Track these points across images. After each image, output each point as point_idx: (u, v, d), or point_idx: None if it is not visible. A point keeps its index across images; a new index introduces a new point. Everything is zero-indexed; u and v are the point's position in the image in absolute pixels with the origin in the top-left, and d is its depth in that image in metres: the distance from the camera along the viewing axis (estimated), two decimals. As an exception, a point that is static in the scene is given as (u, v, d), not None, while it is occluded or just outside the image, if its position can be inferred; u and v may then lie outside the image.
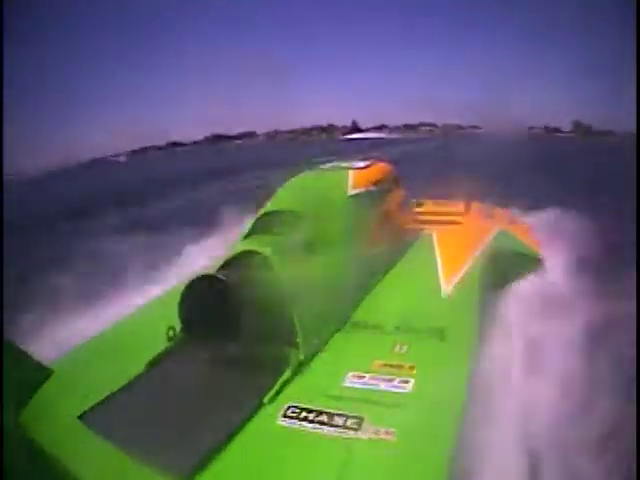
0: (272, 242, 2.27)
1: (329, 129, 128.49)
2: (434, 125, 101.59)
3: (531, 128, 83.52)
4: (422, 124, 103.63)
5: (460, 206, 4.55)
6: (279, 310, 2.02)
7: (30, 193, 24.10)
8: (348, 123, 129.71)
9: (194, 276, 2.04)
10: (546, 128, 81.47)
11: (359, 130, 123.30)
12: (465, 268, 2.89)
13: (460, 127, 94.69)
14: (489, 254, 3.21)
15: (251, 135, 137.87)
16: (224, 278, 1.92)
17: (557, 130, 79.01)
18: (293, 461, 1.46)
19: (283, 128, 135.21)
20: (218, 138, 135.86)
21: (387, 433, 1.48)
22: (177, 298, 2.00)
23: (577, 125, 75.80)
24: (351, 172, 3.30)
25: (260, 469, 1.43)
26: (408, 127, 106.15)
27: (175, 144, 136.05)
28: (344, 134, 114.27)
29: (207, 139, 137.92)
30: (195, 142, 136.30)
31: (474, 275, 2.82)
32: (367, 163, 3.71)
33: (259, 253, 2.17)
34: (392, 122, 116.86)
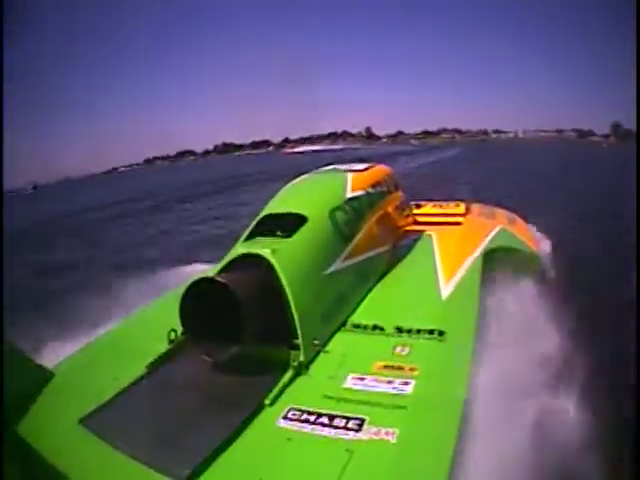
0: (272, 244, 2.25)
1: (344, 136, 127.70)
2: (458, 131, 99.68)
3: (560, 131, 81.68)
4: (444, 130, 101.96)
5: (460, 207, 4.52)
6: (279, 312, 2.04)
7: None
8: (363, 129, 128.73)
9: (195, 278, 2.02)
10: (577, 131, 79.43)
11: (373, 137, 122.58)
12: (465, 268, 2.86)
13: (484, 132, 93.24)
14: (489, 254, 3.18)
15: (264, 144, 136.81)
16: (224, 280, 1.90)
17: (590, 133, 75.12)
18: (294, 463, 1.47)
19: (294, 136, 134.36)
20: (229, 147, 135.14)
21: (388, 434, 1.49)
22: (178, 300, 1.98)
23: (615, 128, 67.38)
24: (350, 175, 3.31)
25: (261, 471, 1.43)
26: (427, 134, 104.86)
27: (185, 153, 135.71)
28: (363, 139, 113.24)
29: (217, 148, 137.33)
30: (206, 151, 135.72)
31: (474, 275, 2.79)
32: (366, 166, 3.78)
33: (259, 255, 2.17)
34: (410, 129, 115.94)
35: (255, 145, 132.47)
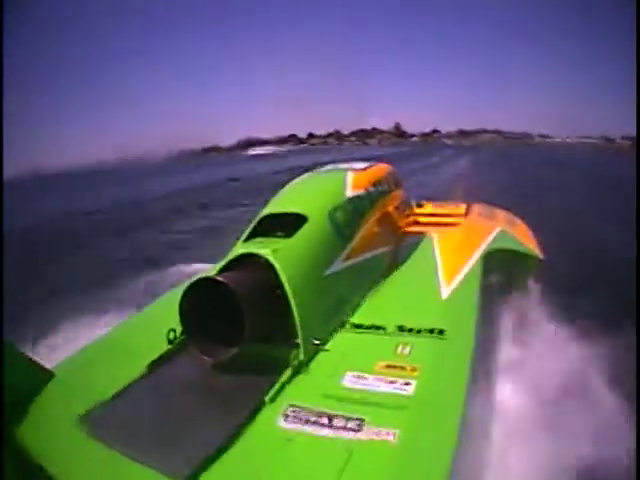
0: (272, 244, 2.27)
1: (372, 133, 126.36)
2: (498, 132, 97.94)
3: (611, 140, 79.19)
4: (484, 130, 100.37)
5: (460, 207, 4.55)
6: (280, 312, 2.06)
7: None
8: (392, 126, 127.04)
9: (195, 278, 2.04)
10: (631, 139, 77.22)
11: (404, 135, 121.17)
12: (465, 269, 2.88)
13: (528, 135, 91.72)
14: (489, 255, 3.19)
15: (291, 139, 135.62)
16: (225, 280, 1.92)
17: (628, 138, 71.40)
18: (293, 463, 1.45)
19: (319, 132, 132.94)
20: (253, 142, 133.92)
21: (388, 435, 1.48)
22: (178, 301, 2.00)
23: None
24: (350, 173, 3.31)
25: (260, 471, 1.42)
26: (464, 133, 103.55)
27: (211, 149, 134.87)
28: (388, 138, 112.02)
29: (240, 143, 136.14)
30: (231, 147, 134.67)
31: (474, 276, 2.81)
32: (367, 165, 3.76)
33: (260, 255, 2.18)
34: (447, 127, 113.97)
35: (282, 141, 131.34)
